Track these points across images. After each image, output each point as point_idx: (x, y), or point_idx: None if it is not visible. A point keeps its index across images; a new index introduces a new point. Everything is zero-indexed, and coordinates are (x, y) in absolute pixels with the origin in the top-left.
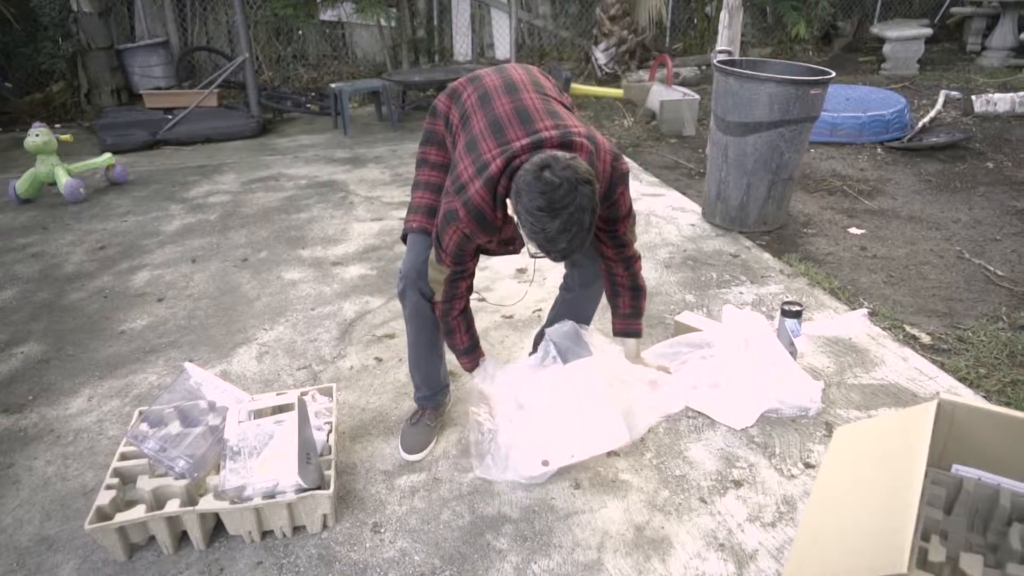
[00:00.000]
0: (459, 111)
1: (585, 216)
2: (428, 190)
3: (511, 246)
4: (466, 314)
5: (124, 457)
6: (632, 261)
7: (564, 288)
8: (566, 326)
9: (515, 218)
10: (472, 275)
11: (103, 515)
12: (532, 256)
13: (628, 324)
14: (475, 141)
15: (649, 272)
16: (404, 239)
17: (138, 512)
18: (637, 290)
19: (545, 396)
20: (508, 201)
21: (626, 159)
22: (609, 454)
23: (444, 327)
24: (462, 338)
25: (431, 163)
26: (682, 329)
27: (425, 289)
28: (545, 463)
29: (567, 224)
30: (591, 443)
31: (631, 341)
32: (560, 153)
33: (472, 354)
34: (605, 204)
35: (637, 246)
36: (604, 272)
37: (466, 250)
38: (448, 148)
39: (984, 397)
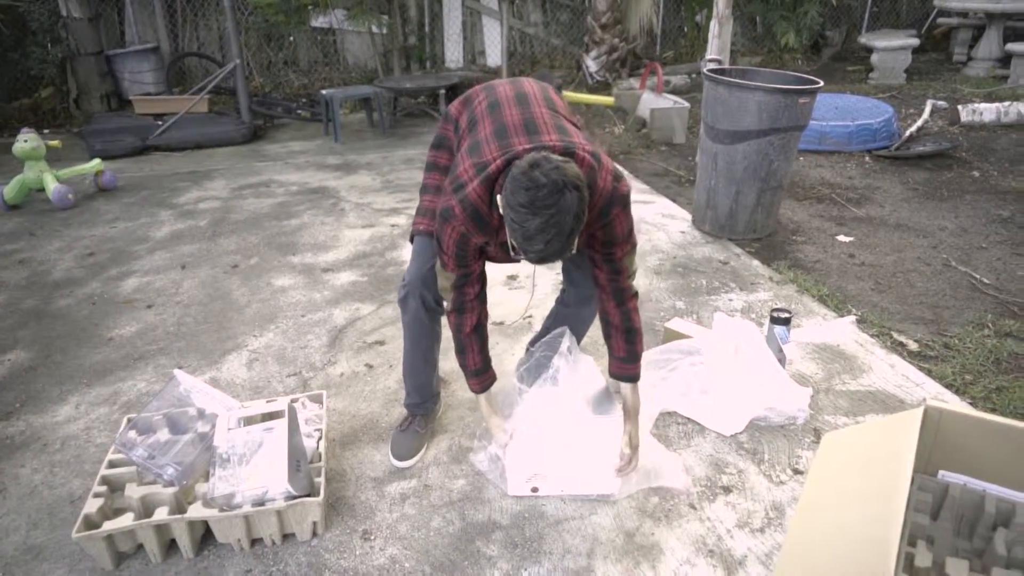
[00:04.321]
0: (468, 116)
1: (567, 220)
2: (437, 194)
3: (514, 251)
4: (479, 332)
5: (112, 465)
6: (625, 296)
7: (560, 303)
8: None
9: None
10: (480, 280)
11: (91, 523)
12: (514, 254)
13: (623, 368)
14: (479, 144)
15: (639, 279)
16: (411, 240)
17: (126, 520)
18: (631, 332)
19: (553, 422)
20: (499, 199)
21: (627, 182)
22: None
23: (456, 344)
24: (474, 358)
25: (441, 168)
26: (672, 336)
27: (428, 298)
28: (535, 490)
29: (546, 225)
30: (583, 483)
31: (626, 387)
32: (554, 155)
33: (482, 376)
34: (600, 223)
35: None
36: (599, 308)
37: (467, 250)
38: (454, 152)
39: (970, 403)
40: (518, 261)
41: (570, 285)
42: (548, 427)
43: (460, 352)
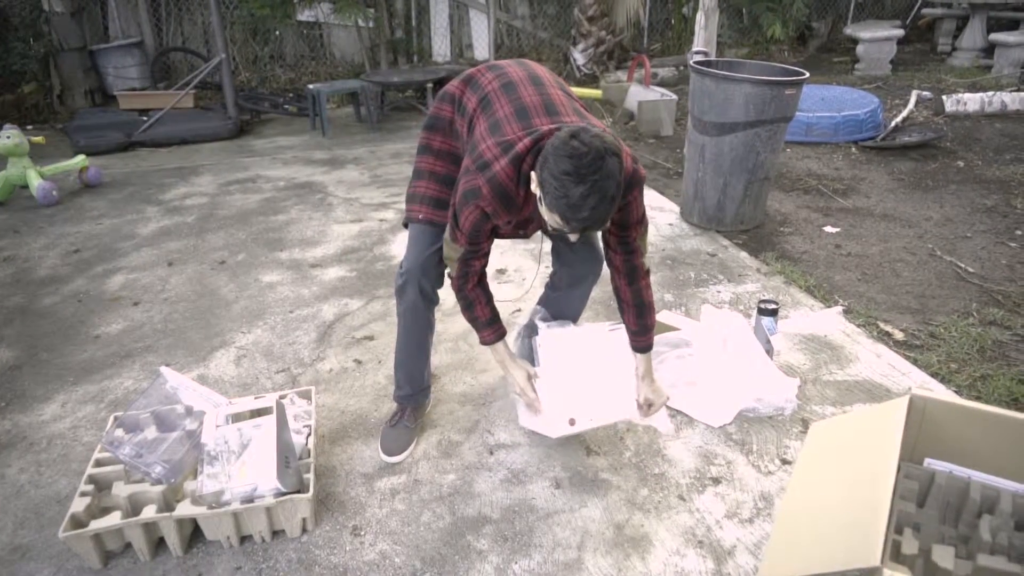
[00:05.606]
0: (477, 95)
1: (610, 184)
2: (433, 180)
3: (523, 230)
4: (483, 286)
5: (99, 463)
6: (638, 274)
7: (550, 287)
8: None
9: (537, 192)
10: (486, 255)
11: (78, 522)
12: (552, 232)
13: (636, 340)
14: (499, 124)
15: None
16: (405, 225)
17: (114, 519)
18: (642, 307)
19: (581, 357)
20: (532, 174)
21: (643, 167)
22: (588, 453)
23: (462, 302)
24: (483, 310)
25: (435, 150)
26: (661, 328)
27: (426, 286)
28: (572, 422)
29: (591, 190)
30: (609, 410)
31: (641, 357)
32: (590, 126)
33: (493, 326)
34: (618, 205)
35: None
36: (612, 286)
37: (482, 230)
38: (457, 132)
39: (955, 392)
40: (526, 237)
41: (561, 266)
42: (566, 363)
43: (468, 308)
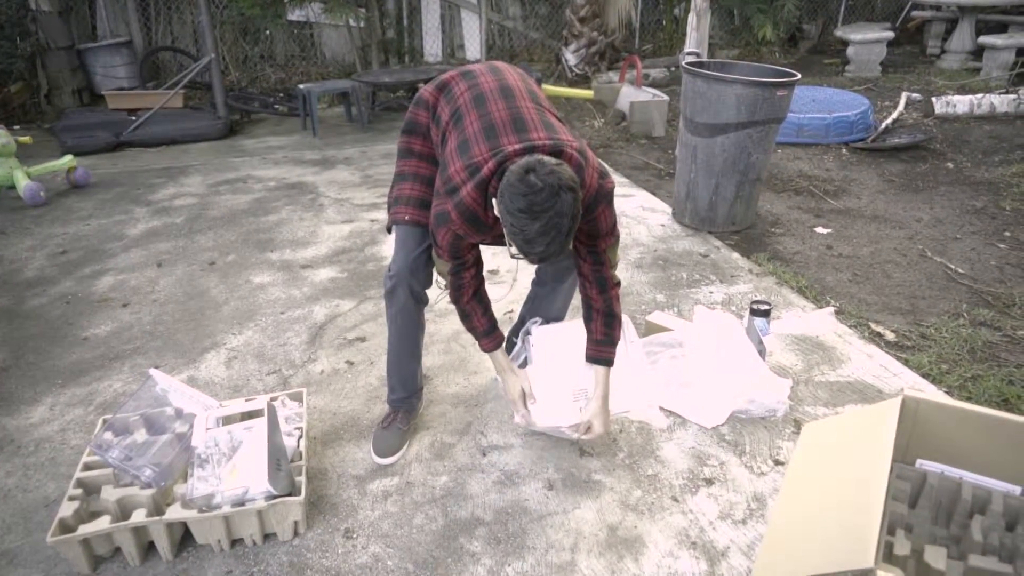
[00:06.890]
0: (450, 108)
1: (564, 221)
2: (417, 182)
3: (512, 252)
4: (479, 297)
5: (88, 467)
6: (608, 284)
7: (536, 283)
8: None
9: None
10: (474, 264)
11: (66, 527)
12: (513, 257)
13: (599, 350)
14: (467, 143)
15: (620, 272)
16: (388, 230)
17: (103, 523)
18: (611, 316)
19: (576, 353)
20: (494, 201)
21: (611, 179)
22: (582, 454)
23: (460, 313)
24: (480, 320)
25: (417, 153)
26: (653, 329)
27: (416, 288)
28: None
29: (546, 228)
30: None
31: (601, 371)
32: (547, 158)
33: (492, 335)
34: (586, 219)
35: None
36: (581, 295)
37: (460, 246)
38: (432, 140)
39: (946, 392)
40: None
41: (546, 263)
42: (560, 359)
43: (465, 318)
